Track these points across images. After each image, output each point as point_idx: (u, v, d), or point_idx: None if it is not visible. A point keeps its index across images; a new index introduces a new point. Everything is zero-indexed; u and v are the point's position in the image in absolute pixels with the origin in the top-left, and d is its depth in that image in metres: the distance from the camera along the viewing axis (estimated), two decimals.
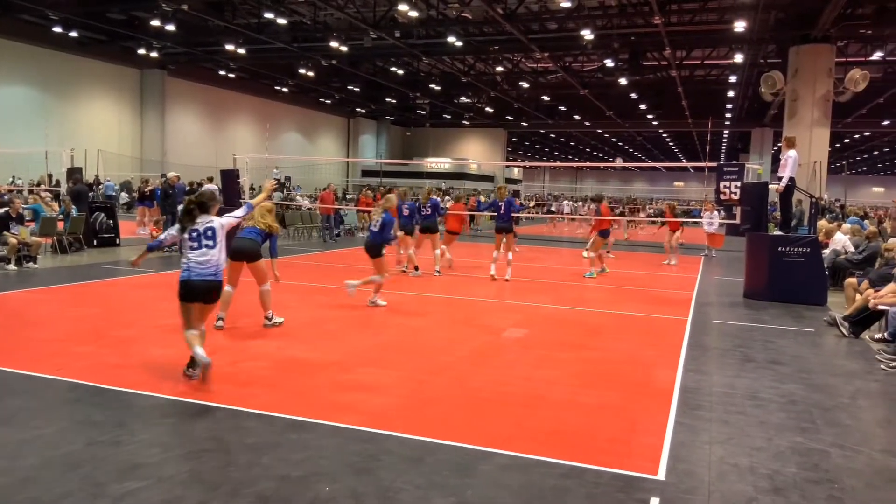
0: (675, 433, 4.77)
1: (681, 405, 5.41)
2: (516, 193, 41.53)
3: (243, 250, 7.63)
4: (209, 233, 5.66)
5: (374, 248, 9.49)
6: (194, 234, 5.62)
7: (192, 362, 5.62)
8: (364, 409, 5.04)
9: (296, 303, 9.57)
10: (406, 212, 12.89)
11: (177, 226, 5.78)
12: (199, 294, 5.66)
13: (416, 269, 12.64)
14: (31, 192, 21.57)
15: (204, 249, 5.61)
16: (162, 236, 6.00)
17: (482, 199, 31.18)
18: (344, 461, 4.12)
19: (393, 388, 5.64)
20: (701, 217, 20.17)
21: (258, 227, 7.81)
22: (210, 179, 19.89)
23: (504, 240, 12.27)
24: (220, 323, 7.61)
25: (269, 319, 7.89)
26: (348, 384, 5.71)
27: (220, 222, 5.77)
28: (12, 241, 11.90)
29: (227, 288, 7.31)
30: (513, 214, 12.64)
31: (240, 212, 6.24)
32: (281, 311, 8.86)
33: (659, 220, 32.84)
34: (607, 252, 17.84)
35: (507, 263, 12.30)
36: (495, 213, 12.62)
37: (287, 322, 8.16)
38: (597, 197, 17.61)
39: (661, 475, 4.06)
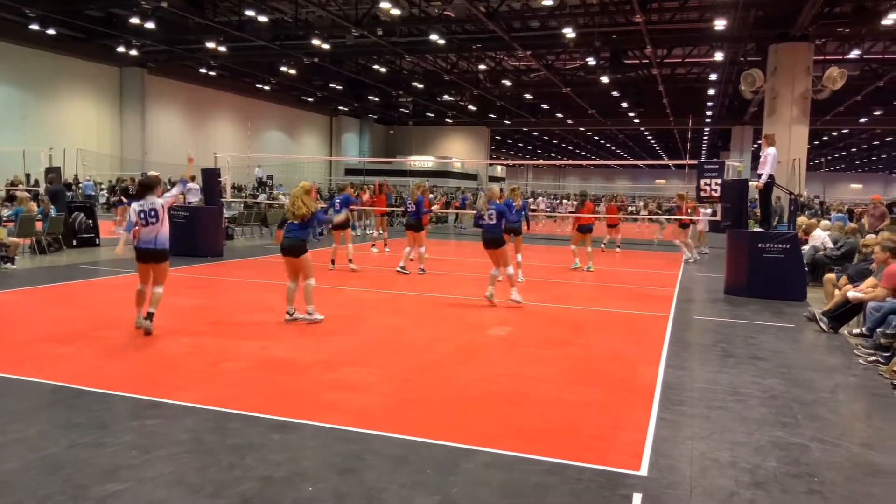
0: (657, 429, 4.81)
1: (663, 401, 5.45)
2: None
3: (288, 248, 8.03)
4: (153, 212, 7.22)
5: (497, 240, 9.57)
6: (142, 214, 7.19)
7: (150, 315, 7.19)
8: (348, 409, 5.03)
9: (278, 302, 9.52)
10: (413, 208, 12.81)
11: (133, 208, 7.30)
12: (146, 257, 7.25)
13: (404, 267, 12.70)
14: (7, 192, 21.30)
15: (150, 226, 7.20)
16: (130, 220, 7.32)
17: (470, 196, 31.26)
18: (327, 461, 4.11)
19: (377, 387, 5.63)
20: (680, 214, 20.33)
21: (295, 223, 8.02)
22: (192, 178, 19.72)
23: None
24: (289, 317, 8.05)
25: (310, 315, 8.05)
26: (332, 384, 5.69)
27: (161, 202, 7.31)
28: (15, 241, 11.80)
29: (289, 284, 8.11)
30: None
31: (175, 189, 7.93)
32: (263, 311, 8.83)
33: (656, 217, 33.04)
34: (616, 247, 18.11)
35: (518, 265, 11.73)
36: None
37: (269, 321, 8.12)
38: (582, 194, 18.06)
39: (643, 471, 4.09)
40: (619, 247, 19.19)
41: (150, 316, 7.23)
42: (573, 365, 6.59)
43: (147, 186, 7.42)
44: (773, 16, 23.40)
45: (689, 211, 17.54)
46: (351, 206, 14.10)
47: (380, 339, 7.57)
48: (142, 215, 7.16)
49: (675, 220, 18.52)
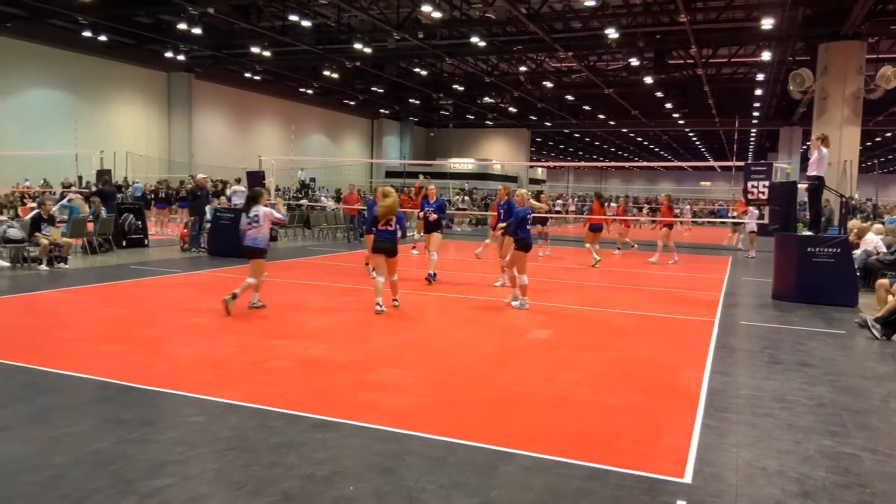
0: (701, 435, 4.71)
1: (707, 407, 5.34)
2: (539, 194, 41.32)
3: (384, 249, 9.01)
4: (256, 217, 8.89)
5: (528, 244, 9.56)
6: (250, 217, 8.91)
7: (234, 295, 8.49)
8: (387, 409, 5.06)
9: (320, 303, 9.64)
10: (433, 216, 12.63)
11: (243, 215, 9.06)
12: (246, 253, 8.97)
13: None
14: (62, 195, 22.01)
15: (253, 228, 8.88)
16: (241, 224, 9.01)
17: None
18: (368, 461, 4.14)
19: (415, 388, 5.65)
20: (730, 217, 19.96)
21: (389, 230, 9.02)
22: (238, 181, 20.13)
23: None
24: (382, 308, 8.86)
25: (396, 301, 9.31)
26: (371, 384, 5.73)
27: (264, 211, 8.98)
28: (44, 241, 12.13)
29: (378, 279, 8.99)
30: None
31: (278, 214, 9.53)
32: (306, 311, 8.95)
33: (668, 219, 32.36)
34: (632, 246, 17.76)
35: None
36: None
37: (311, 322, 8.23)
38: (597, 195, 18.52)
39: (686, 478, 4.01)
40: (618, 248, 18.57)
41: (234, 296, 8.55)
42: (613, 369, 6.51)
43: (253, 198, 9.15)
44: (823, 14, 22.78)
45: (740, 213, 17.22)
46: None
47: (418, 340, 7.59)
48: (250, 218, 8.91)
49: (657, 221, 18.12)
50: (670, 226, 16.83)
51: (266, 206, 9.18)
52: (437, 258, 12.02)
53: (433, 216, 12.35)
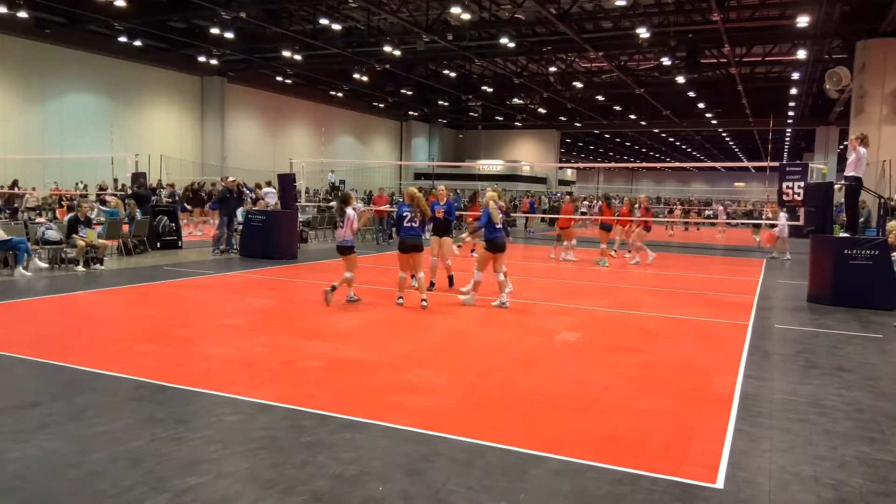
0: (734, 440, 4.64)
1: (740, 412, 5.26)
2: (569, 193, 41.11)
3: (413, 245, 9.48)
4: (341, 219, 9.65)
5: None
6: (339, 220, 9.74)
7: (333, 287, 9.35)
8: (415, 410, 5.07)
9: (349, 303, 9.69)
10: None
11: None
12: (340, 251, 9.77)
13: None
14: (98, 196, 22.48)
15: (339, 229, 9.77)
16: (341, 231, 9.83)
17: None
18: (396, 462, 4.15)
19: (444, 390, 5.66)
20: (768, 218, 19.59)
21: (414, 226, 9.53)
22: (269, 183, 20.38)
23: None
24: (400, 301, 9.44)
25: (425, 301, 9.40)
26: (400, 385, 5.75)
27: (350, 214, 9.61)
28: (80, 243, 12.40)
29: (401, 274, 9.64)
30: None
31: (355, 224, 9.79)
32: (336, 312, 9.02)
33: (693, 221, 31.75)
34: (613, 251, 17.35)
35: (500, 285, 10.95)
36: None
37: (341, 323, 8.29)
38: (605, 196, 18.56)
39: (719, 483, 3.96)
40: (614, 251, 17.33)
41: (333, 288, 9.37)
42: (644, 372, 6.44)
43: (344, 200, 9.96)
44: (860, 11, 22.27)
45: (771, 215, 16.92)
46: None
47: (446, 341, 7.60)
48: (339, 221, 9.79)
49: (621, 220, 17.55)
50: (648, 227, 16.77)
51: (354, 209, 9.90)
52: (451, 262, 11.64)
53: (440, 213, 11.60)
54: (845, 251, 10.57)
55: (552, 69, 35.97)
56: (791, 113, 42.79)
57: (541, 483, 3.91)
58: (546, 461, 4.20)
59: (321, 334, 7.68)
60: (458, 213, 15.14)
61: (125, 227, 15.14)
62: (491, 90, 40.69)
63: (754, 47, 29.78)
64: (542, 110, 46.43)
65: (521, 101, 45.37)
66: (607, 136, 63.06)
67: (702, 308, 10.24)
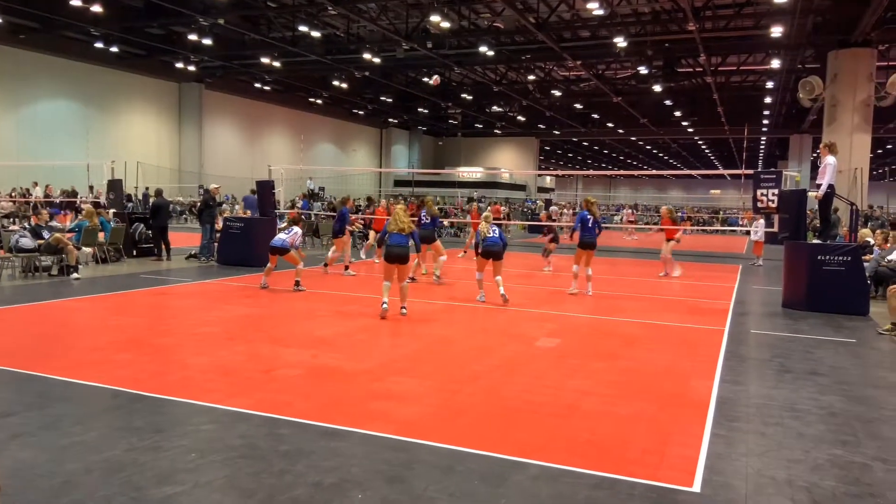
0: (710, 445, 4.70)
1: (717, 416, 5.32)
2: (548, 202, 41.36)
3: (399, 255, 9.31)
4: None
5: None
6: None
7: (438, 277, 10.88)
8: (396, 418, 5.07)
9: (329, 312, 9.67)
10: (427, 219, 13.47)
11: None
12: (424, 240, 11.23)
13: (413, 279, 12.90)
14: (73, 204, 22.18)
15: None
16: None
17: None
18: (376, 469, 4.15)
19: (424, 397, 5.66)
20: (740, 225, 19.83)
21: (405, 235, 9.39)
22: (253, 192, 19.98)
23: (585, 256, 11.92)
24: (384, 306, 9.11)
25: (404, 309, 9.34)
26: (380, 392, 5.74)
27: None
28: (73, 250, 12.35)
29: (385, 282, 9.30)
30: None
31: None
32: (315, 319, 8.98)
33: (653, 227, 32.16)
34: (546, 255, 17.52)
35: (588, 279, 12.04)
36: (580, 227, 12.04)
37: (320, 330, 8.26)
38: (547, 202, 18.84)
39: (696, 487, 4.00)
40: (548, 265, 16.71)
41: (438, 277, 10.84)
42: (623, 378, 6.49)
43: (423, 204, 10.49)
44: (832, 22, 22.75)
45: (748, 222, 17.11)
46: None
47: (427, 349, 7.60)
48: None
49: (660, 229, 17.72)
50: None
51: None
52: (445, 258, 13.27)
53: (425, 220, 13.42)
54: (819, 257, 10.75)
55: (531, 77, 36.24)
56: (765, 121, 43.49)
57: (520, 489, 3.93)
58: (526, 467, 4.22)
59: (300, 342, 7.65)
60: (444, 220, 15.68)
61: (101, 235, 14.94)
62: (470, 98, 40.90)
63: (729, 57, 30.25)
64: (521, 118, 46.73)
65: (500, 109, 45.64)
66: (585, 143, 63.59)
67: (679, 314, 10.35)
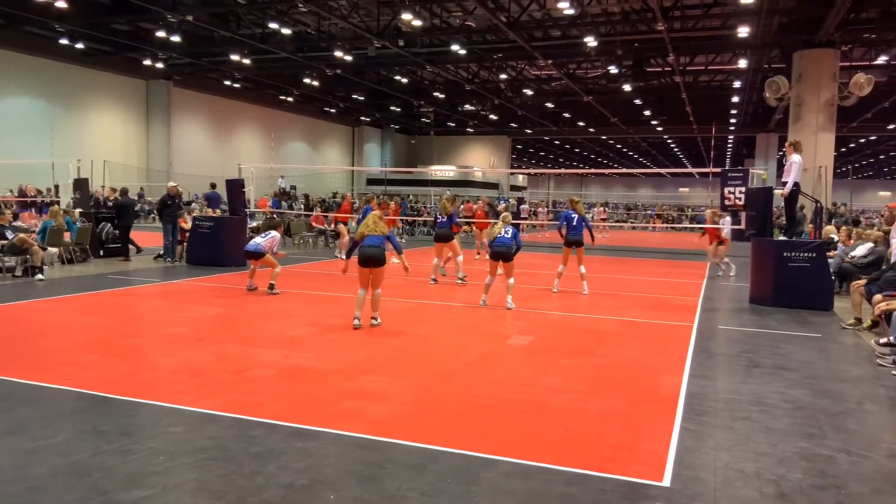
0: (680, 439, 4.76)
1: (686, 411, 5.40)
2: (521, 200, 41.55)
3: (373, 257, 8.42)
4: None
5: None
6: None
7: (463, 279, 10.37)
8: (368, 417, 5.05)
9: (300, 311, 9.60)
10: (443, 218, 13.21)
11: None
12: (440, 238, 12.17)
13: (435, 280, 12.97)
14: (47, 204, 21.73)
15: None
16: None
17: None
18: (348, 469, 4.13)
19: (397, 396, 5.65)
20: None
21: (379, 235, 8.56)
22: (213, 186, 19.62)
23: (574, 253, 12.01)
24: (360, 322, 8.41)
25: (376, 320, 8.57)
26: (352, 392, 5.72)
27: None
28: (38, 250, 12.07)
29: (360, 291, 8.50)
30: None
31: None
32: (287, 319, 8.91)
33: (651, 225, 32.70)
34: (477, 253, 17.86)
35: (582, 277, 12.10)
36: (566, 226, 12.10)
37: (292, 330, 8.19)
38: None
39: (666, 481, 4.05)
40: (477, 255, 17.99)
41: (463, 279, 9.77)
42: (595, 375, 6.55)
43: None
44: (797, 22, 23.15)
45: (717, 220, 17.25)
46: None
47: (400, 348, 7.58)
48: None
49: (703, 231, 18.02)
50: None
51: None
52: (462, 258, 13.34)
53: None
54: (784, 254, 10.95)
55: (503, 76, 36.32)
56: (733, 120, 44.15)
57: (493, 486, 3.94)
58: (499, 464, 4.24)
59: (271, 342, 7.58)
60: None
61: (66, 235, 14.65)
62: (443, 96, 40.86)
63: (697, 57, 30.63)
64: (493, 116, 46.83)
65: (472, 108, 45.67)
66: (557, 142, 63.93)
67: (648, 310, 10.46)
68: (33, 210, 22.39)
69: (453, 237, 13.24)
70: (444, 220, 13.13)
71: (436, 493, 3.81)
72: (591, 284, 12.33)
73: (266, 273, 11.32)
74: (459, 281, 12.84)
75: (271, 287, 11.05)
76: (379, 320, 8.56)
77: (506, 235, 10.22)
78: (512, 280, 10.30)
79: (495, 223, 11.09)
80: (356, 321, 8.35)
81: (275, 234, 11.31)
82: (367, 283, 8.47)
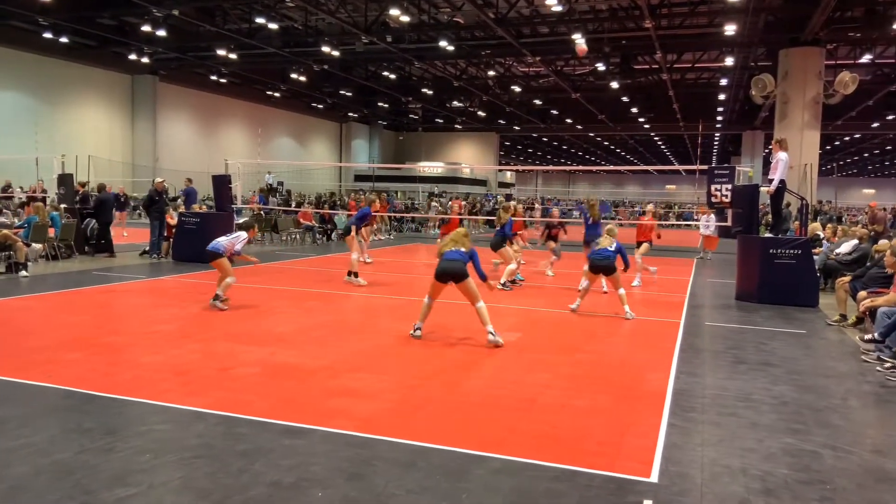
0: (667, 435, 4.78)
1: (673, 407, 5.42)
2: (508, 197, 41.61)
3: (450, 271, 7.68)
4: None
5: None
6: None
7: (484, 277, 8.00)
8: (355, 415, 5.03)
9: (286, 308, 9.56)
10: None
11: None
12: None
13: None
14: (27, 200, 21.49)
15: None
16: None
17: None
18: (336, 466, 4.11)
19: (384, 393, 5.63)
20: (696, 220, 20.20)
21: (462, 250, 7.84)
22: (190, 181, 19.07)
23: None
24: (417, 332, 7.81)
25: (493, 335, 7.49)
26: (340, 389, 5.69)
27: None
28: (22, 247, 11.92)
29: (426, 299, 7.92)
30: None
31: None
32: (273, 316, 8.86)
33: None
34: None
35: (622, 300, 9.84)
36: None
37: (278, 328, 8.15)
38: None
39: (653, 477, 4.06)
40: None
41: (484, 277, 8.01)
42: (582, 371, 6.57)
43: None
44: (783, 21, 23.33)
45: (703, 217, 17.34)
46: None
47: (388, 345, 7.56)
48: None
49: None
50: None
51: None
52: (514, 265, 12.20)
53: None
54: (770, 251, 11.02)
55: (491, 73, 36.34)
56: (719, 118, 44.43)
57: (482, 482, 3.94)
58: (487, 461, 4.23)
59: (257, 339, 7.54)
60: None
61: (51, 231, 14.49)
62: (431, 93, 40.83)
63: (685, 54, 30.78)
64: (481, 113, 46.84)
65: (460, 104, 45.68)
66: (545, 139, 64.07)
67: (636, 307, 10.47)
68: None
69: (503, 245, 12.38)
70: (499, 228, 12.53)
71: (423, 491, 3.80)
72: (577, 280, 12.31)
73: (258, 268, 10.82)
74: (502, 286, 11.73)
75: (216, 298, 9.23)
76: (496, 336, 7.47)
77: (609, 249, 9.61)
78: (622, 290, 9.58)
79: (599, 238, 10.23)
80: (417, 331, 7.81)
81: (243, 234, 9.89)
82: (437, 294, 7.89)
